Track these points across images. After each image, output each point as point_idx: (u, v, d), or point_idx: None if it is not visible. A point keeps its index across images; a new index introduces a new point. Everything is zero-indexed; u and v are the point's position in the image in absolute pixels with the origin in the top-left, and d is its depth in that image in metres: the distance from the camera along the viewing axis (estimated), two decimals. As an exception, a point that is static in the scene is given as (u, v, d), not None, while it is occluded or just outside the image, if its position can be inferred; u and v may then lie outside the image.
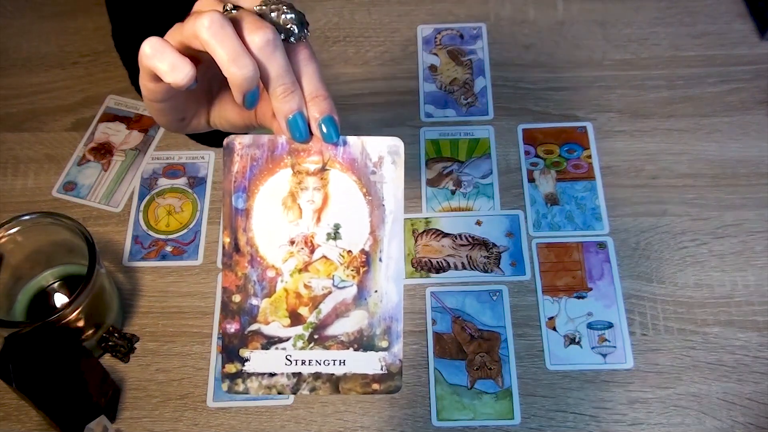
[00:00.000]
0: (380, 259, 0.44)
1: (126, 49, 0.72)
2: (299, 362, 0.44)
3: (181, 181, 0.80)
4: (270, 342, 0.44)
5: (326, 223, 0.45)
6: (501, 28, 0.90)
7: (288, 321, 0.44)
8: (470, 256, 0.74)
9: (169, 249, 0.76)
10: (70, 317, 0.63)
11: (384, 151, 0.45)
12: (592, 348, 0.70)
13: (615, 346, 0.69)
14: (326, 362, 0.44)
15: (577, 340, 0.70)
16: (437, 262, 0.74)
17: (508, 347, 0.70)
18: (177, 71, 0.41)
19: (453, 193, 0.78)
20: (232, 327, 0.45)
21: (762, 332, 0.70)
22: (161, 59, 0.41)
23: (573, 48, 0.88)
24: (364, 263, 0.45)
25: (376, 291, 0.44)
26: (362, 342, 0.45)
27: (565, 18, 0.90)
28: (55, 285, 0.70)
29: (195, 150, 0.82)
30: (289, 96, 0.42)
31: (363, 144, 0.44)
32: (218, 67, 0.41)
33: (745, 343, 0.69)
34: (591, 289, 0.72)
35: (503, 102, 0.84)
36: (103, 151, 0.82)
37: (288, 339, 0.44)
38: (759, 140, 0.80)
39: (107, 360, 0.70)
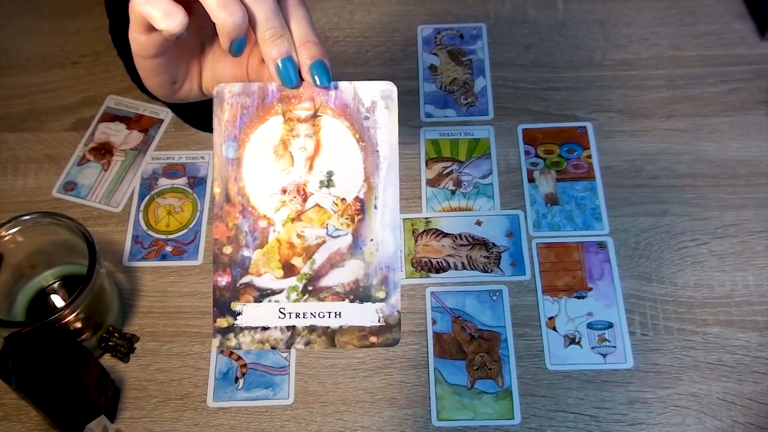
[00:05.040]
0: (375, 207, 0.43)
1: (122, 39, 0.71)
2: (293, 315, 0.43)
3: (181, 181, 0.80)
4: (263, 294, 0.43)
5: (319, 171, 0.43)
6: (501, 28, 0.90)
7: (281, 272, 0.43)
8: (470, 256, 0.74)
9: (169, 249, 0.76)
10: (70, 317, 0.63)
11: (377, 96, 0.43)
12: (592, 348, 0.70)
13: (615, 346, 0.69)
14: (321, 315, 0.43)
15: (577, 340, 0.70)
16: (437, 262, 0.74)
17: (508, 347, 0.70)
18: (170, 17, 0.40)
19: (453, 193, 0.78)
20: (224, 280, 0.43)
21: (762, 332, 0.70)
22: (154, 5, 0.40)
23: (573, 48, 0.88)
24: (359, 211, 0.43)
25: (371, 240, 0.43)
26: (358, 293, 0.43)
27: (565, 18, 0.90)
28: (55, 285, 0.70)
29: (195, 150, 0.82)
30: (278, 40, 0.42)
31: (355, 89, 0.43)
32: (208, 18, 0.41)
33: (745, 343, 0.69)
34: (591, 289, 0.72)
35: (503, 102, 0.84)
36: (103, 151, 0.82)
37: (281, 291, 0.43)
38: (759, 140, 0.80)
39: (107, 360, 0.70)
